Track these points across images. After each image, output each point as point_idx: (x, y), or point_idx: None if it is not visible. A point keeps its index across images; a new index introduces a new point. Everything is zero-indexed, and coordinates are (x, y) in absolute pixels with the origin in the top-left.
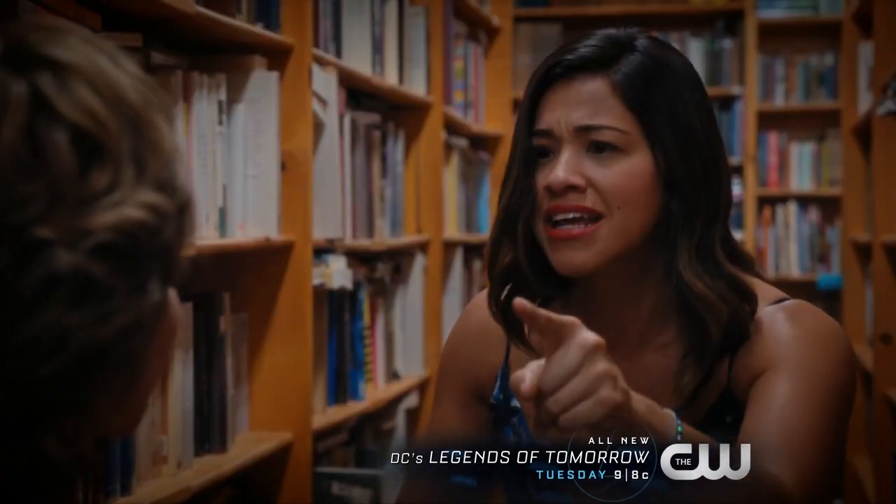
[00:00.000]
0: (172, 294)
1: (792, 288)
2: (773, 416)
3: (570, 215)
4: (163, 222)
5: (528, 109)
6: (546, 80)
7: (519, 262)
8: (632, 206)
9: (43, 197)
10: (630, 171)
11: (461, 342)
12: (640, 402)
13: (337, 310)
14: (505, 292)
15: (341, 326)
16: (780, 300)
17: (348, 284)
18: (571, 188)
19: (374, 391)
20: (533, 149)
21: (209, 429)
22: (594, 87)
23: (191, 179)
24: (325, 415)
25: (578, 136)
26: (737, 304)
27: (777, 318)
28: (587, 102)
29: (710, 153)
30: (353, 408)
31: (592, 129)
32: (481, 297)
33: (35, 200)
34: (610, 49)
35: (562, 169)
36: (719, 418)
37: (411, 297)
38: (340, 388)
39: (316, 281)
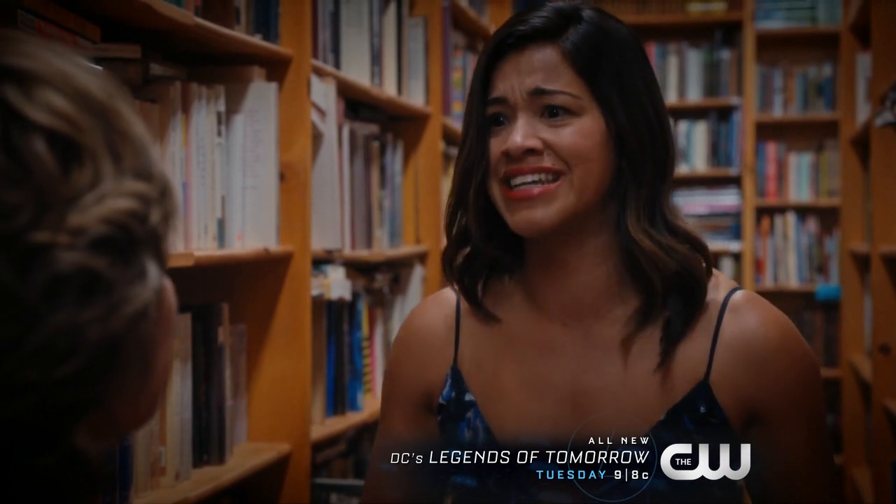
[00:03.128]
0: (167, 281)
1: (790, 298)
2: (800, 486)
3: (530, 178)
4: (149, 208)
5: (482, 80)
6: (498, 51)
7: (469, 228)
8: (589, 163)
9: (31, 203)
10: (582, 131)
11: (406, 351)
12: None
13: (335, 320)
14: (460, 256)
15: (340, 337)
16: (736, 288)
17: (347, 295)
18: (529, 152)
19: (373, 402)
20: (487, 118)
21: (208, 440)
22: (545, 55)
23: (189, 190)
24: (324, 426)
25: (532, 102)
26: (687, 254)
27: (754, 326)
28: (539, 69)
29: (654, 114)
30: (351, 418)
31: (546, 94)
32: (421, 305)
33: (24, 208)
34: (558, 19)
35: (519, 134)
36: (693, 407)
37: (410, 307)
38: (339, 399)
39: (314, 292)
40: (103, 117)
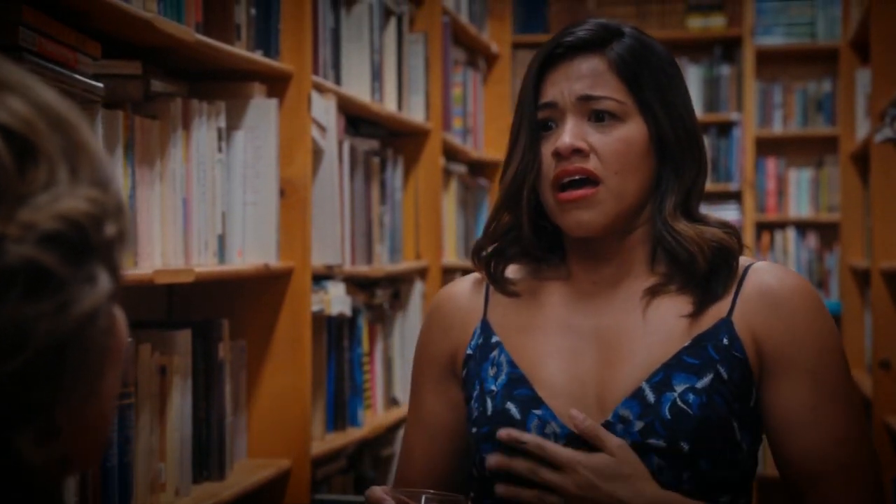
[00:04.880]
0: (119, 312)
1: None
2: (825, 448)
3: (576, 177)
4: (104, 215)
5: (533, 86)
6: (548, 61)
7: (521, 225)
8: (628, 171)
9: None
10: (627, 137)
11: (429, 329)
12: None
13: (336, 336)
14: (492, 247)
15: (340, 353)
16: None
17: (347, 311)
18: (576, 152)
19: (373, 417)
20: (538, 122)
21: (207, 456)
22: (592, 64)
23: (189, 205)
24: (324, 441)
25: (580, 106)
26: (721, 233)
27: (772, 278)
28: (587, 76)
29: (690, 122)
30: (351, 434)
31: (593, 99)
32: (443, 290)
33: None
34: (603, 32)
35: (568, 135)
36: (716, 336)
37: (410, 323)
38: (339, 415)
39: (315, 307)
40: (62, 129)
